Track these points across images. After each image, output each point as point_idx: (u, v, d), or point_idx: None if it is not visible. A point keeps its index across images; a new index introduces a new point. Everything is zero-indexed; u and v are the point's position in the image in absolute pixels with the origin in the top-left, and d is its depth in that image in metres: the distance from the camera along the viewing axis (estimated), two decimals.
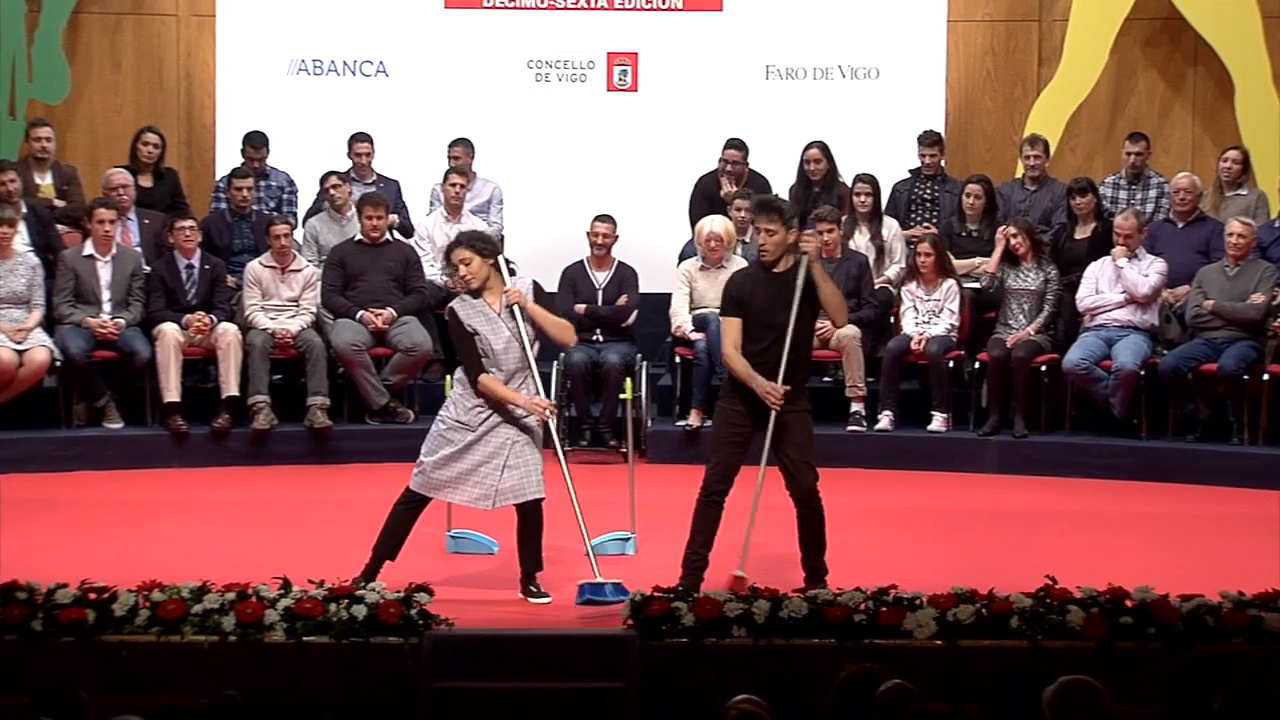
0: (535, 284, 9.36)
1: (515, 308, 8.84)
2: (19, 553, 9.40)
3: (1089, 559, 9.33)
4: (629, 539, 9.87)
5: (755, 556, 8.81)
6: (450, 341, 9.39)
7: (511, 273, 9.33)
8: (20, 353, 12.25)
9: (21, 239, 12.66)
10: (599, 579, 8.84)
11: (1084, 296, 12.61)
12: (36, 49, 14.75)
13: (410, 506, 8.94)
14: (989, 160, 14.69)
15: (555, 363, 12.82)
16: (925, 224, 13.61)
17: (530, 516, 8.99)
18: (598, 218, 13.11)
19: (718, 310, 12.53)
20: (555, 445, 9.03)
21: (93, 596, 8.05)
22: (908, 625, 7.96)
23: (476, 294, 8.93)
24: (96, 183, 13.65)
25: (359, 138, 13.98)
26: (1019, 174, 13.88)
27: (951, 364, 12.76)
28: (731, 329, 8.85)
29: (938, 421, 12.71)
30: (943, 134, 14.21)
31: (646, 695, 7.86)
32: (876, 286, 13.05)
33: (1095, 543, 10.22)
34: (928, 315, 12.79)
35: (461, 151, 13.92)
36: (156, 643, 7.93)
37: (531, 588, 8.96)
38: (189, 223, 12.89)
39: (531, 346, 8.91)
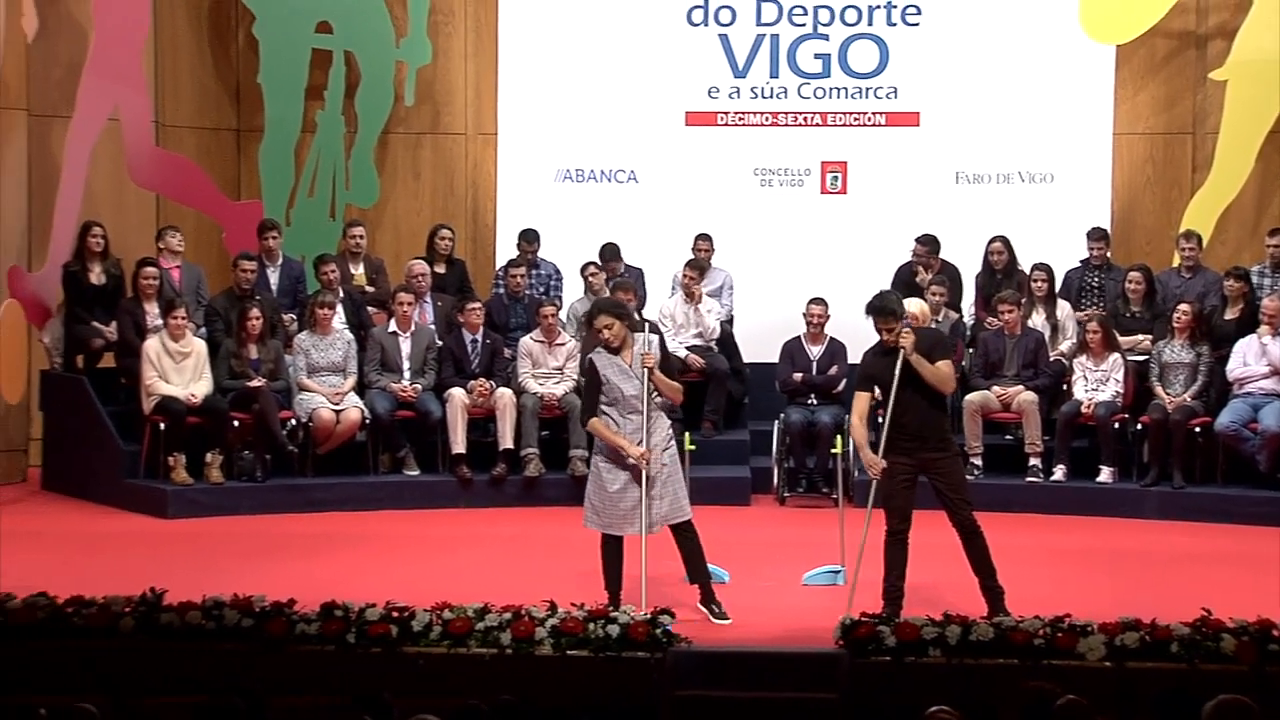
0: (661, 343, 9.43)
1: (645, 368, 8.78)
2: (337, 577, 9.56)
3: (1239, 595, 8.99)
4: (839, 571, 9.73)
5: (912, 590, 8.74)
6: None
7: (654, 330, 9.50)
8: (338, 412, 12.41)
9: (339, 318, 12.85)
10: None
11: (1233, 368, 12.29)
12: (353, 163, 15.03)
13: (610, 543, 8.91)
14: (1149, 252, 14.39)
15: (776, 422, 12.77)
16: (1094, 306, 13.35)
17: (685, 537, 8.92)
18: (812, 300, 13.03)
19: None
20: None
21: (395, 614, 8.20)
22: (1080, 649, 7.84)
23: (615, 351, 8.88)
24: (400, 272, 13.83)
25: (608, 247, 14.01)
26: (1175, 264, 13.58)
27: (1117, 425, 12.46)
28: (860, 402, 8.94)
29: (1105, 474, 12.43)
30: (1108, 230, 13.96)
31: (855, 705, 7.79)
32: (1051, 359, 12.83)
33: (1244, 581, 9.88)
34: (1096, 384, 12.55)
35: (705, 245, 13.90)
36: (447, 654, 8.06)
37: (713, 606, 8.84)
38: (475, 305, 13.00)
39: (650, 399, 8.82)
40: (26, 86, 13.34)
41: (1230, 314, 12.86)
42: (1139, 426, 12.46)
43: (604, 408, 8.86)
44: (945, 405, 9.21)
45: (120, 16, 13.41)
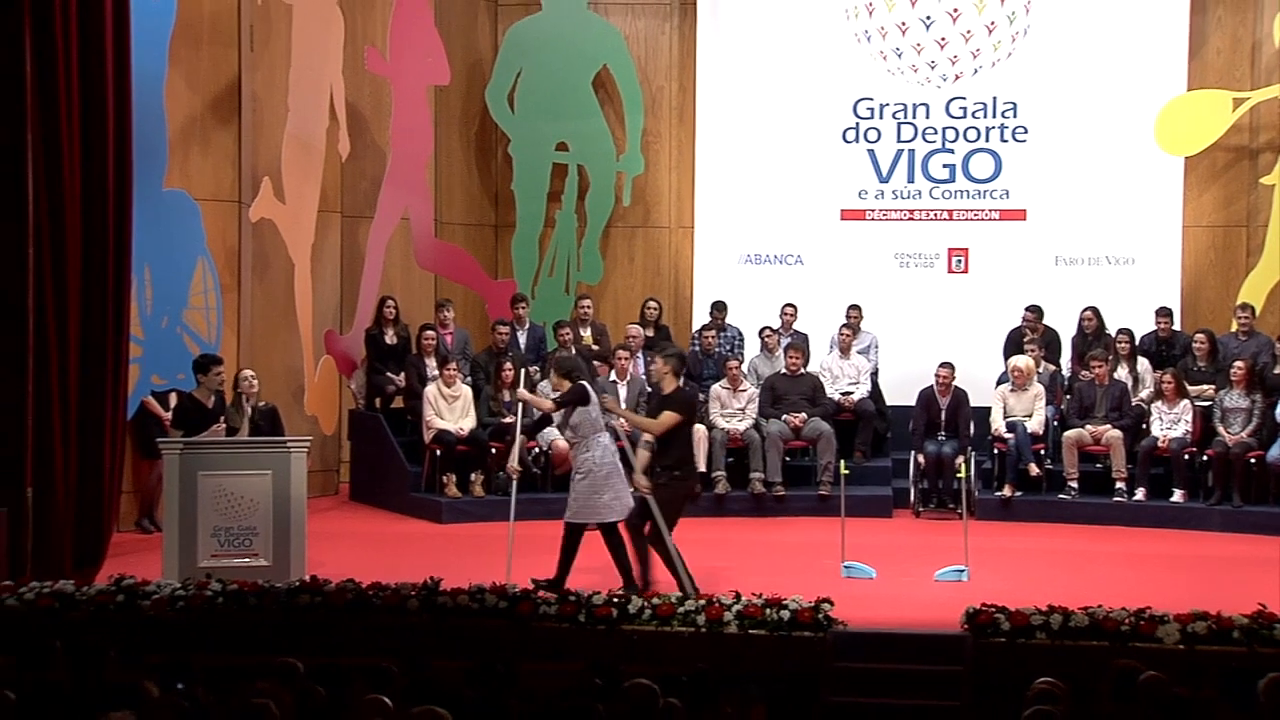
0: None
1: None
2: (572, 571, 9.57)
3: None
4: (963, 570, 9.62)
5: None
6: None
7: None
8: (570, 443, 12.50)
9: None
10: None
11: None
12: (583, 250, 15.19)
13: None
14: (1212, 319, 14.00)
15: (913, 452, 12.64)
16: (1163, 366, 13.05)
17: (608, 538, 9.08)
18: (941, 364, 12.85)
19: (1024, 418, 12.38)
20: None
21: (616, 600, 8.20)
22: (1159, 634, 7.70)
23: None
24: (619, 333, 13.93)
25: (787, 306, 13.99)
26: (1233, 329, 13.21)
27: (1187, 456, 12.15)
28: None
29: (1177, 495, 12.12)
30: (1175, 306, 13.73)
31: (976, 677, 7.68)
32: (1133, 404, 12.55)
33: None
34: (1170, 423, 12.25)
35: (856, 313, 13.84)
36: (655, 631, 8.05)
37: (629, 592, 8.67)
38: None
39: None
40: (340, 195, 13.68)
41: (1279, 369, 12.54)
42: (1205, 458, 12.14)
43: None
44: (669, 441, 9.02)
45: (410, 141, 13.75)
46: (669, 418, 8.99)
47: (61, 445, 9.23)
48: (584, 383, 9.26)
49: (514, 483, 9.64)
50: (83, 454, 9.40)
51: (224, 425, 10.42)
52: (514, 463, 9.78)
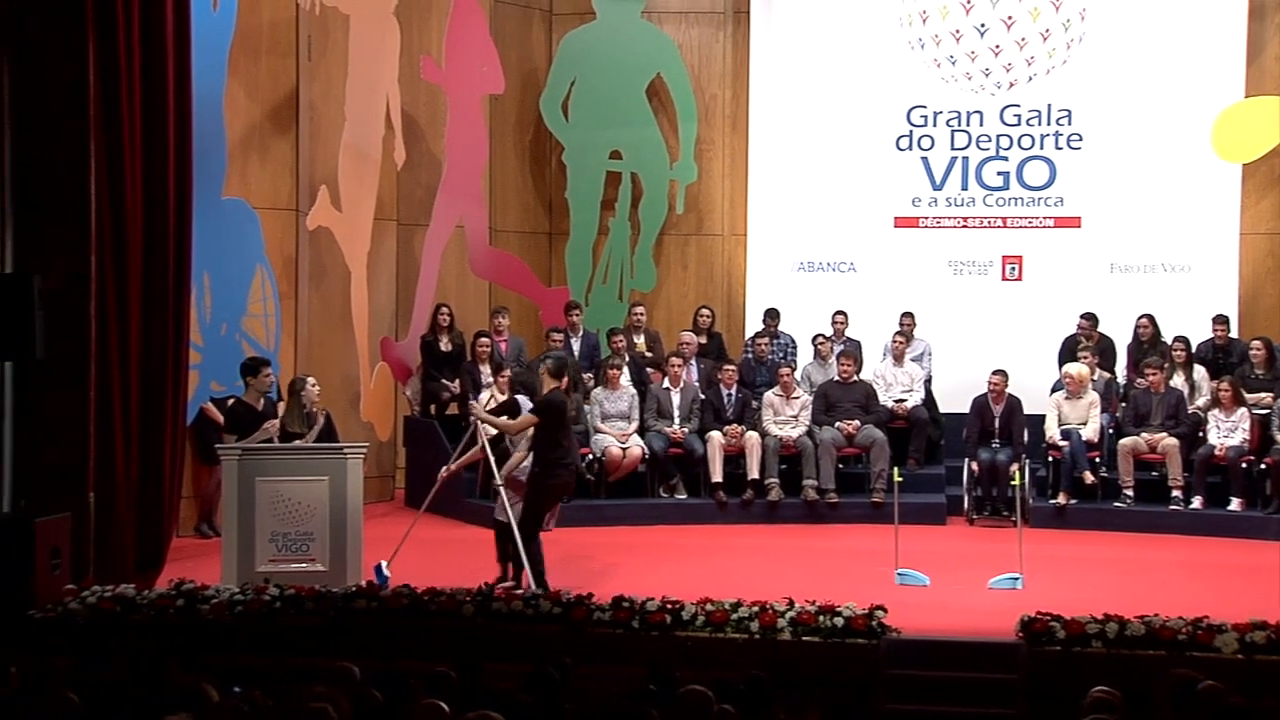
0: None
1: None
2: (623, 575, 9.63)
3: None
4: (1018, 578, 9.56)
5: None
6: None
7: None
8: (624, 450, 12.53)
9: (625, 377, 12.98)
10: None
11: None
12: (636, 257, 15.22)
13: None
14: (1269, 326, 13.86)
15: (966, 460, 12.57)
16: (1221, 375, 12.93)
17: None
18: (994, 372, 12.75)
19: (1079, 425, 12.29)
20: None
21: (669, 606, 8.19)
22: (1217, 643, 7.61)
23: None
24: (672, 341, 13.94)
25: (838, 313, 13.96)
26: None
27: (1244, 464, 12.00)
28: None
29: (1234, 504, 11.97)
30: (1233, 311, 13.59)
31: (1031, 686, 7.63)
32: (1190, 411, 12.43)
33: None
34: (1227, 431, 12.13)
35: (909, 320, 13.80)
36: (709, 638, 8.02)
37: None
38: (730, 367, 13.05)
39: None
40: (396, 203, 13.73)
41: None
42: (1262, 466, 11.98)
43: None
44: (536, 441, 9.40)
45: (465, 150, 13.81)
46: (525, 419, 9.42)
47: (123, 451, 9.32)
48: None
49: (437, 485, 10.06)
50: (143, 460, 9.49)
51: (276, 423, 10.49)
52: (452, 466, 10.21)
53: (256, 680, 6.27)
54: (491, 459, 9.65)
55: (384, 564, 9.60)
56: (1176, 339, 12.97)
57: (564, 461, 9.31)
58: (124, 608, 8.48)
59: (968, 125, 14.62)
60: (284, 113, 12.22)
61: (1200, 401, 12.65)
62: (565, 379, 9.46)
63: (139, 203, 9.46)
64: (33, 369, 9.09)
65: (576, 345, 13.60)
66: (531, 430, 9.42)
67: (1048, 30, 14.38)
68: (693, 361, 13.34)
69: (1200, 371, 12.88)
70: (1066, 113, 14.47)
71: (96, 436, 9.20)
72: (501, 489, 9.51)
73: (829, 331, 13.81)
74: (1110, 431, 12.61)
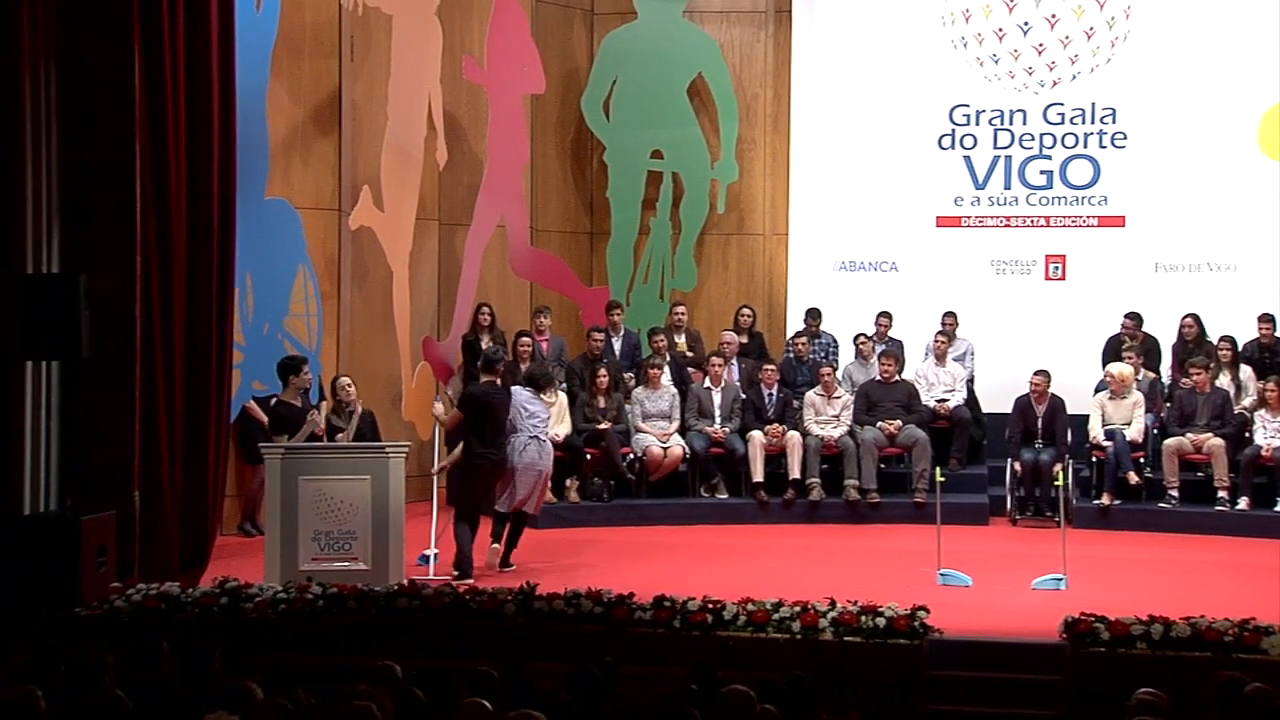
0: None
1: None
2: (665, 575, 9.62)
3: None
4: (1061, 579, 9.49)
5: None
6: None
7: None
8: (665, 449, 12.54)
9: (666, 376, 12.99)
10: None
11: None
12: (678, 257, 15.19)
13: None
14: None
15: (1009, 460, 12.50)
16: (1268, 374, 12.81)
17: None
18: (1036, 372, 12.68)
19: (1123, 425, 12.20)
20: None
21: (711, 606, 8.16)
22: (1264, 645, 7.53)
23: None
24: (713, 340, 13.93)
25: (882, 315, 13.92)
26: None
27: None
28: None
29: None
30: (1279, 310, 13.39)
31: (1075, 688, 7.58)
32: (1236, 411, 12.32)
33: None
34: (1274, 432, 12.02)
35: (951, 320, 13.75)
36: (750, 638, 7.99)
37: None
38: (770, 366, 13.03)
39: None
40: (438, 202, 13.78)
41: None
42: None
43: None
44: (464, 435, 10.13)
45: (506, 149, 13.79)
46: (454, 414, 10.39)
47: (167, 450, 9.39)
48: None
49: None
50: (188, 458, 9.56)
51: (319, 416, 10.48)
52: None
53: (299, 679, 6.28)
54: (437, 451, 10.70)
55: (429, 554, 9.93)
56: (1222, 338, 12.87)
57: (481, 451, 9.89)
58: (169, 606, 8.54)
59: (1010, 124, 14.53)
60: (326, 113, 12.26)
61: (1246, 401, 12.53)
62: (498, 372, 10.19)
63: (183, 204, 9.52)
64: (79, 369, 9.16)
65: (618, 344, 13.61)
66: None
67: (1091, 28, 14.28)
68: (734, 361, 13.32)
69: (1246, 371, 12.76)
70: (1110, 111, 14.36)
71: (141, 435, 9.27)
72: (435, 477, 10.70)
73: (871, 331, 13.76)
74: (1155, 432, 12.52)
